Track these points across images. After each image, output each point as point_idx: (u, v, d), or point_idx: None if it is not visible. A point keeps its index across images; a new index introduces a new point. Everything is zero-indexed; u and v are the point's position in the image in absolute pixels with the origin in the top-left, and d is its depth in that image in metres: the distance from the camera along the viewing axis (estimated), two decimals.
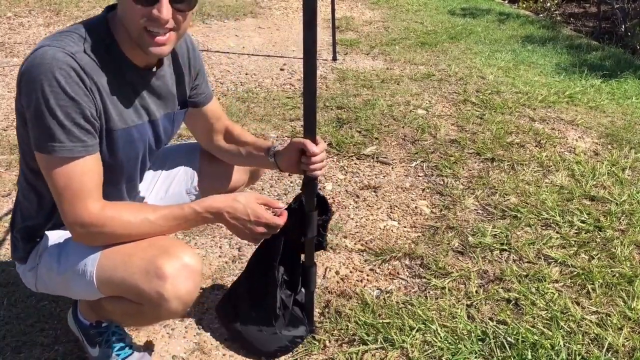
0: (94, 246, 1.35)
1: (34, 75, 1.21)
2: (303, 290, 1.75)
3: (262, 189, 2.58)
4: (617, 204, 2.47)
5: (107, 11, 1.35)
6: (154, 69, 1.42)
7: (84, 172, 1.27)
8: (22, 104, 1.25)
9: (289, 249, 1.66)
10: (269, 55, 4.45)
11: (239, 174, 1.81)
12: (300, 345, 1.74)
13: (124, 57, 1.33)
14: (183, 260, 1.31)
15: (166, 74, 1.47)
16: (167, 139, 1.57)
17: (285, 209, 1.53)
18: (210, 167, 1.78)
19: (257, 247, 1.72)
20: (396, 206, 2.50)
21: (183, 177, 1.76)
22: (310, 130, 1.48)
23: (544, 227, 2.33)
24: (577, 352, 1.70)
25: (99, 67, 1.29)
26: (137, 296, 1.33)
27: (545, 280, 2.00)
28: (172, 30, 1.28)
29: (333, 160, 2.87)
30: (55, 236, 1.46)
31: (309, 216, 1.56)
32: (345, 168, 2.80)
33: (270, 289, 1.69)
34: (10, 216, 2.34)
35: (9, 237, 2.21)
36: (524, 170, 2.75)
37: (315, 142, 1.49)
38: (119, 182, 1.47)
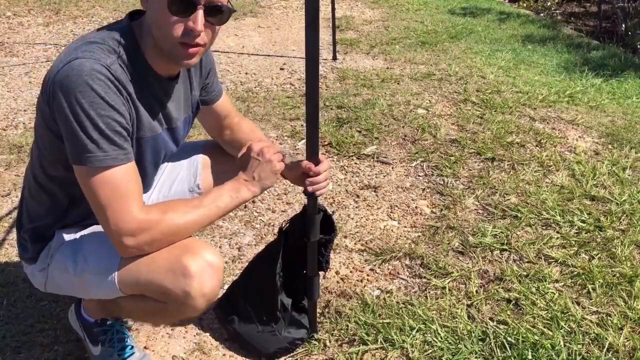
0: (147, 253, 1.33)
1: (73, 88, 1.20)
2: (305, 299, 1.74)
3: None
4: (617, 203, 2.47)
5: (130, 18, 1.36)
6: (174, 78, 1.43)
7: (128, 179, 1.28)
8: (54, 113, 1.25)
9: (290, 254, 1.66)
10: (268, 55, 4.45)
11: None
12: (300, 346, 1.74)
13: (149, 67, 1.35)
14: (206, 259, 1.32)
15: (184, 79, 1.49)
16: (182, 141, 1.60)
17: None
18: (213, 166, 1.79)
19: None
20: (396, 206, 2.49)
21: (186, 176, 1.77)
22: (313, 151, 1.50)
23: (544, 227, 2.32)
24: (577, 352, 1.69)
25: (129, 77, 1.30)
26: (162, 295, 1.33)
27: (545, 280, 2.00)
28: (202, 45, 1.30)
29: (333, 160, 2.87)
30: (69, 236, 1.45)
31: (311, 219, 1.56)
32: (345, 168, 2.80)
33: (270, 293, 1.69)
34: (10, 216, 2.35)
35: (9, 237, 2.22)
36: (524, 170, 2.75)
37: (318, 162, 1.51)
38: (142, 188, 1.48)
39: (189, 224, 1.35)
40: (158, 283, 1.32)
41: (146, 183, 1.52)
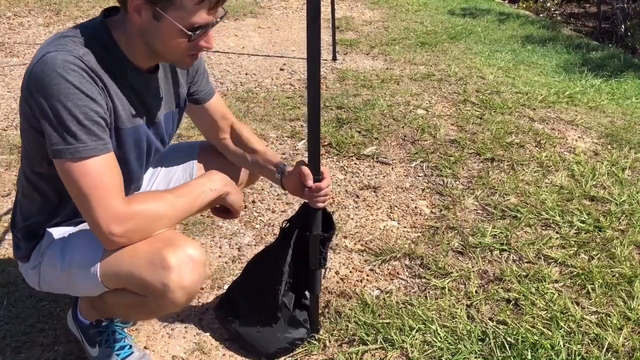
0: (130, 244, 1.33)
1: (47, 81, 1.21)
2: (307, 294, 1.74)
3: (262, 189, 2.58)
4: (617, 204, 2.47)
5: (105, 16, 1.36)
6: (153, 71, 1.42)
7: (109, 169, 1.28)
8: (34, 110, 1.25)
9: (292, 253, 1.66)
10: (268, 55, 4.45)
11: (239, 173, 1.81)
12: (300, 345, 1.74)
13: (126, 59, 1.34)
14: (187, 252, 1.32)
15: (166, 73, 1.48)
16: (170, 138, 1.58)
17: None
18: (209, 166, 1.77)
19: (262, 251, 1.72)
20: (396, 206, 2.50)
21: (182, 175, 1.77)
22: (315, 166, 1.50)
23: (543, 227, 2.33)
24: (577, 352, 1.70)
25: (104, 69, 1.30)
26: (141, 288, 1.33)
27: (545, 280, 2.00)
28: None
29: (333, 160, 2.87)
30: (58, 232, 1.46)
31: (313, 211, 1.56)
32: (345, 168, 2.81)
33: (272, 292, 1.69)
34: (9, 216, 2.34)
35: (9, 237, 2.22)
36: (523, 170, 2.75)
37: (319, 175, 1.52)
38: (128, 184, 1.47)
39: (170, 212, 1.35)
40: (138, 275, 1.31)
41: (132, 178, 1.50)
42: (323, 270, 1.70)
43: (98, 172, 1.25)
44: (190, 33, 1.26)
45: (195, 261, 1.32)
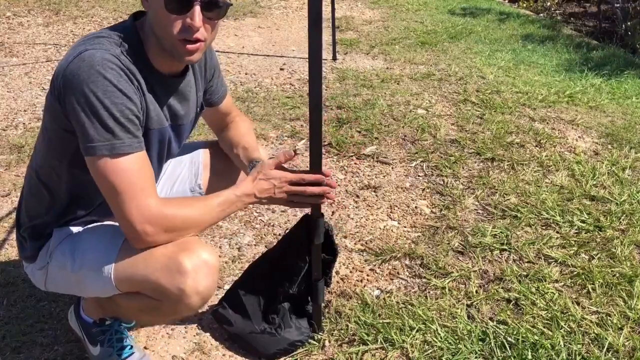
0: (156, 245, 1.33)
1: (84, 77, 1.21)
2: (310, 303, 1.74)
3: None
4: (617, 203, 2.47)
5: (134, 18, 1.38)
6: (179, 76, 1.44)
7: (142, 167, 1.28)
8: (67, 107, 1.25)
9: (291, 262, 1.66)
10: (268, 55, 4.44)
11: (243, 173, 1.82)
12: (300, 347, 1.73)
13: (150, 65, 1.36)
14: (202, 257, 1.32)
15: (190, 80, 1.50)
16: (185, 140, 1.61)
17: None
18: (214, 165, 1.80)
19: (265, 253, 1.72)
20: (396, 206, 2.49)
21: (187, 175, 1.79)
22: (316, 165, 1.50)
23: (544, 227, 2.32)
24: (577, 352, 1.69)
25: (137, 70, 1.32)
26: (156, 292, 1.33)
27: (545, 280, 2.00)
28: (202, 41, 1.31)
29: (333, 160, 2.87)
30: (67, 233, 1.46)
31: (316, 221, 1.56)
32: (345, 168, 2.80)
33: (270, 295, 1.70)
34: (10, 217, 2.34)
35: (9, 237, 2.22)
36: (524, 170, 2.75)
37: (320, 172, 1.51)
38: None
39: (200, 221, 1.36)
40: (153, 280, 1.31)
41: (156, 177, 1.52)
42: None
43: (133, 169, 1.26)
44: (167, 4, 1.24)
45: (209, 266, 1.33)
